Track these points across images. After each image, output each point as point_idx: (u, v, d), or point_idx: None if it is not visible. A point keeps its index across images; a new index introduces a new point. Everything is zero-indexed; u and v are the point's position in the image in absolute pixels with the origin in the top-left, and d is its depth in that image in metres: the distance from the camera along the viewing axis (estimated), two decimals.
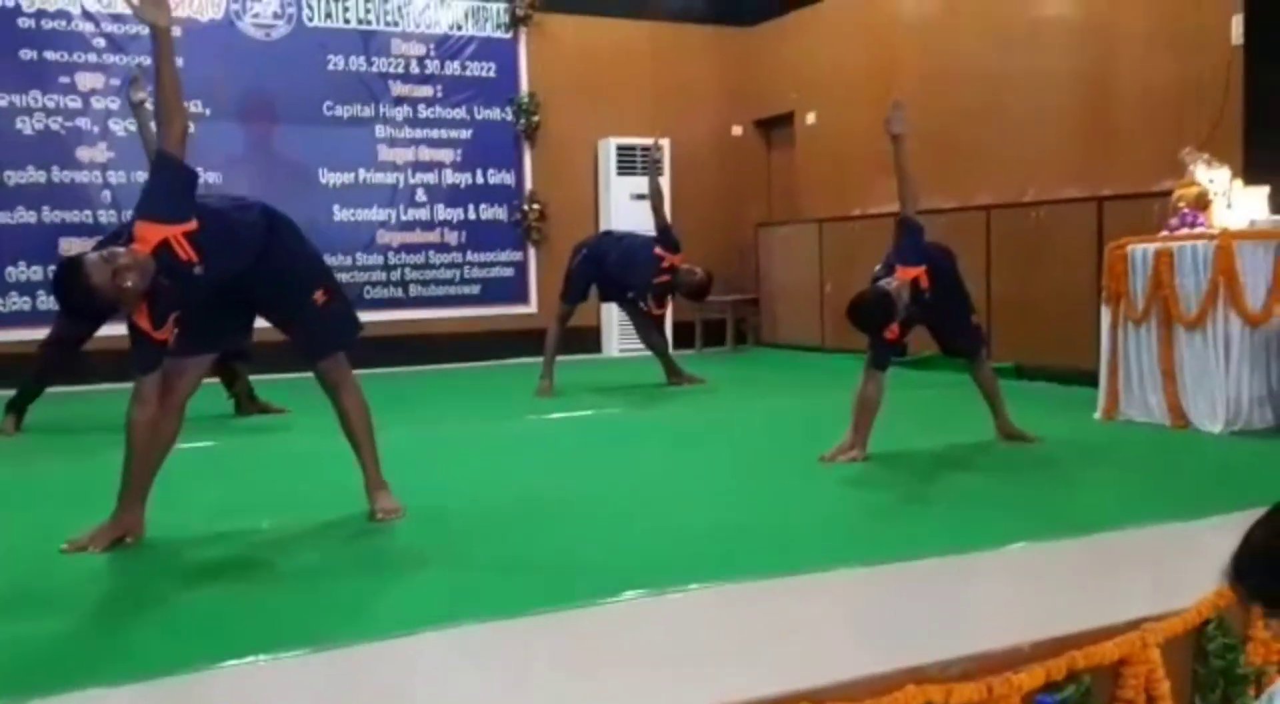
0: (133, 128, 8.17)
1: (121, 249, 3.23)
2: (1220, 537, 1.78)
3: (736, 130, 10.49)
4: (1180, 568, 3.02)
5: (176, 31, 8.00)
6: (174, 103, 3.35)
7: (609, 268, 7.20)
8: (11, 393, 6.01)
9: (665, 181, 9.62)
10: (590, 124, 9.61)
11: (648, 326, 7.41)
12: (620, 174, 9.57)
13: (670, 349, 9.42)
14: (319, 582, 3.04)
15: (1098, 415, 5.60)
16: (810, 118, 9.80)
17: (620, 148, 9.55)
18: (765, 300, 10.06)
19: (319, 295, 3.67)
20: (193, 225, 3.32)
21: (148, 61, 8.07)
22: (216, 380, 6.52)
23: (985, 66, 7.88)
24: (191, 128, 3.57)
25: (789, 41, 9.95)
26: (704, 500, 3.98)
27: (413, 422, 6.14)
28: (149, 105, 6.39)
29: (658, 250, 7.04)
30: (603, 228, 9.17)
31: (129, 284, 3.17)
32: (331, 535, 3.56)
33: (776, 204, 10.47)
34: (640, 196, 9.71)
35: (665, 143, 9.64)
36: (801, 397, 6.85)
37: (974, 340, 4.99)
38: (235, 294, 3.55)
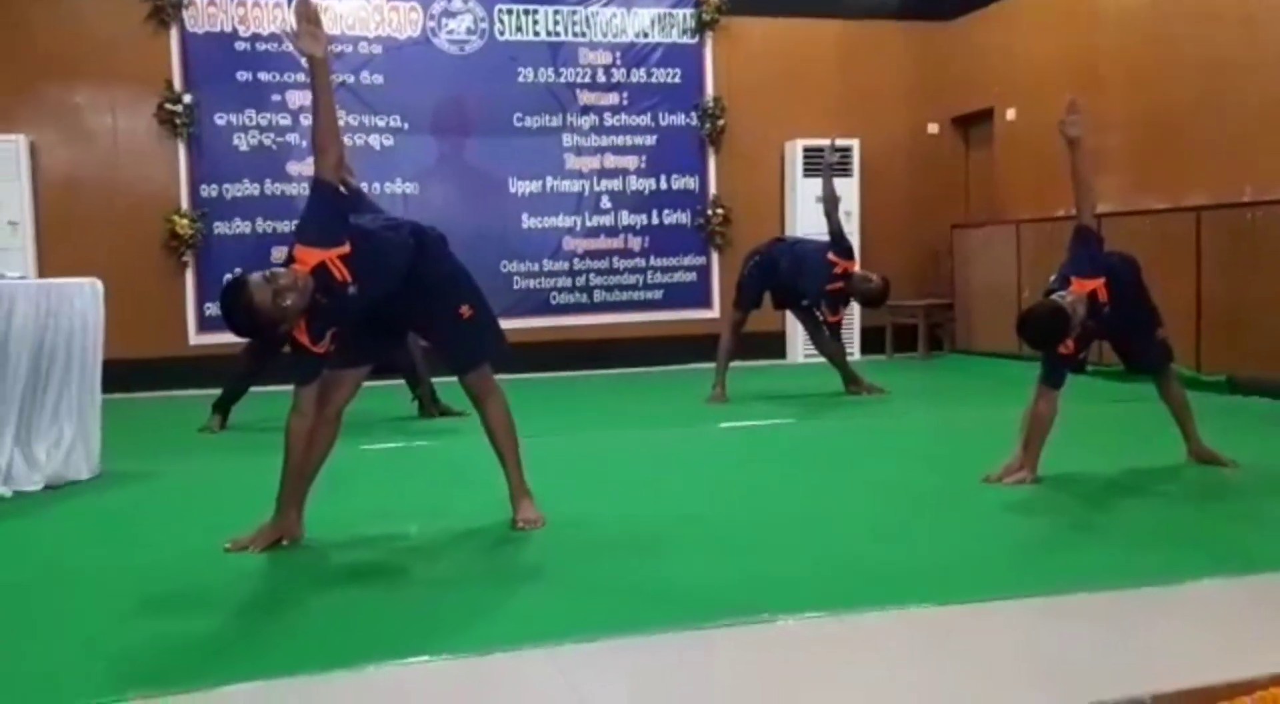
0: None
1: (283, 270, 3.40)
2: None
3: (933, 128, 10.15)
4: None
5: (371, 49, 8.52)
6: (330, 131, 3.51)
7: (781, 275, 7.10)
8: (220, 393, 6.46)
9: (854, 182, 9.46)
10: (777, 126, 9.50)
11: (823, 334, 7.26)
12: (807, 176, 9.41)
13: (858, 355, 9.31)
14: (442, 591, 3.11)
15: None
16: (1010, 114, 9.37)
17: (807, 149, 9.40)
18: (960, 305, 9.69)
19: (464, 310, 3.76)
20: (346, 249, 3.46)
21: (350, 79, 8.65)
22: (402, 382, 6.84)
23: (1197, 54, 7.33)
24: (350, 162, 3.73)
25: (988, 35, 9.56)
26: (852, 523, 3.85)
27: (578, 427, 6.26)
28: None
29: (830, 256, 6.88)
30: (788, 231, 9.08)
31: (289, 303, 3.34)
32: (468, 544, 3.64)
33: (975, 205, 10.07)
34: None
35: (854, 144, 9.46)
36: (984, 409, 6.53)
37: (1160, 356, 4.63)
38: (387, 309, 3.68)
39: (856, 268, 7.04)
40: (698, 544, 3.58)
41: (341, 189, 3.53)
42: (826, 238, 7.02)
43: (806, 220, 9.14)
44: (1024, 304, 8.58)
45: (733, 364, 7.23)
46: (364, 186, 8.60)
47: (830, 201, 7.03)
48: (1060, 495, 4.20)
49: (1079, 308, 4.21)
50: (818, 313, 7.12)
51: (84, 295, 4.79)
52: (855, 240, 9.50)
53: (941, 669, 2.44)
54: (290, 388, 3.54)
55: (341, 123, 8.61)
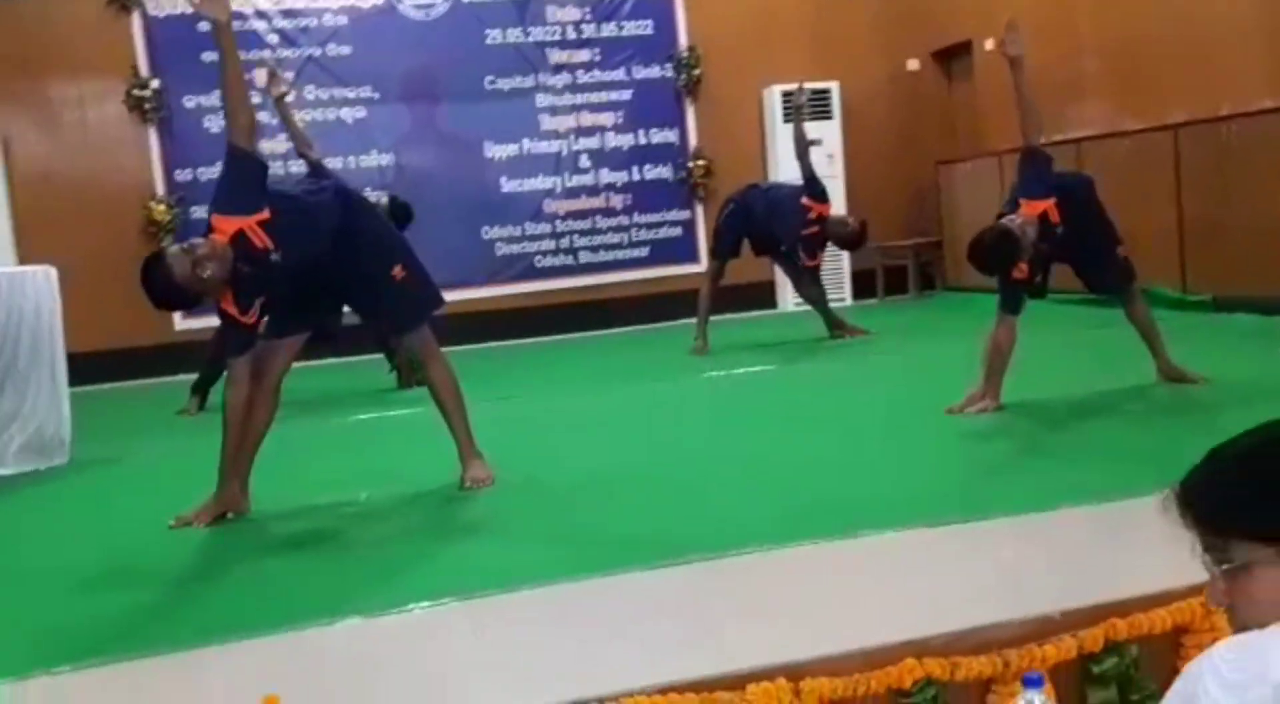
0: (309, 117, 8.66)
1: (200, 241, 3.37)
2: None
3: (913, 64, 9.97)
4: None
5: (336, 20, 8.43)
6: (239, 96, 3.47)
7: (757, 221, 7.02)
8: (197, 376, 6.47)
9: (835, 125, 9.33)
10: (753, 73, 9.36)
11: (803, 279, 7.18)
12: (786, 122, 9.23)
13: (849, 299, 9.22)
14: (375, 551, 3.12)
15: None
16: (989, 44, 9.17)
17: (785, 94, 9.21)
18: (949, 243, 9.56)
19: (398, 271, 3.72)
20: (266, 214, 3.42)
21: (318, 53, 8.58)
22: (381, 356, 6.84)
23: None
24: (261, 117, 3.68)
25: None
26: (816, 461, 3.80)
27: (558, 388, 6.23)
28: (289, 98, 6.71)
29: (804, 200, 6.80)
30: (771, 178, 8.96)
31: (208, 274, 3.31)
32: (414, 506, 3.64)
33: (963, 140, 9.91)
34: (810, 143, 9.48)
35: (833, 86, 9.33)
36: (963, 344, 6.37)
37: (1122, 275, 4.54)
38: (318, 275, 3.64)
39: (832, 211, 6.94)
40: (654, 492, 3.56)
41: (255, 154, 3.48)
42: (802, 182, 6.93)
43: (789, 167, 8.91)
44: None
45: (723, 316, 7.18)
46: (338, 162, 8.68)
47: (801, 144, 6.92)
48: (1021, 421, 4.15)
49: (1029, 230, 4.13)
50: (796, 258, 7.04)
51: (37, 283, 4.79)
52: (839, 183, 9.45)
53: (899, 591, 2.40)
54: None
55: (311, 97, 8.73)
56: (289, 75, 8.49)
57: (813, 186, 6.83)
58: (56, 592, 2.95)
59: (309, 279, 3.63)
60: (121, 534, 3.58)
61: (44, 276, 4.85)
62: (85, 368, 6.73)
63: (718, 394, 5.67)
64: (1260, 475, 1.24)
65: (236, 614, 2.62)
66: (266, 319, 3.60)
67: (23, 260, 7.85)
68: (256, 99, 8.33)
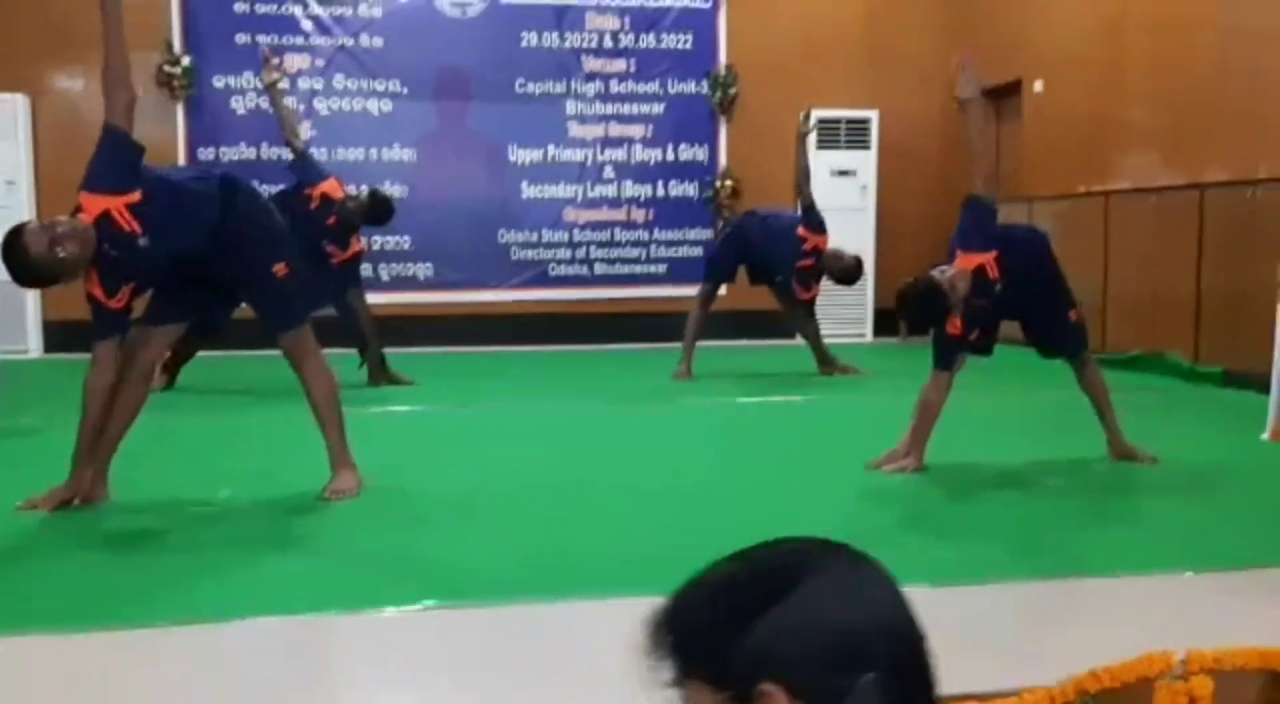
0: (335, 106, 8.69)
1: (62, 219, 3.30)
2: None
3: None
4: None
5: (371, 11, 8.40)
6: (120, 74, 3.41)
7: (752, 249, 6.81)
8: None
9: (871, 156, 9.06)
10: (792, 96, 9.07)
11: (797, 311, 6.93)
12: (821, 148, 9.01)
13: (869, 336, 8.92)
14: (181, 556, 3.01)
15: (1265, 436, 4.64)
16: (1038, 86, 8.82)
17: (822, 121, 8.96)
18: None
19: (279, 268, 3.61)
20: (135, 197, 3.35)
21: (350, 43, 8.59)
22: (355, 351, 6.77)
23: (1229, 19, 6.71)
24: (141, 92, 3.61)
25: (1020, 2, 8.99)
26: (688, 503, 3.60)
27: (514, 399, 6.10)
28: (283, 85, 6.70)
29: (801, 231, 6.56)
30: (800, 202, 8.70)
31: (65, 253, 3.24)
32: (262, 512, 3.52)
33: (1004, 182, 9.52)
34: (842, 173, 9.22)
35: (872, 115, 9.06)
36: (970, 393, 6.16)
37: (1072, 340, 4.22)
38: (196, 265, 3.55)
39: (829, 243, 6.68)
40: (505, 519, 3.42)
41: (130, 135, 3.40)
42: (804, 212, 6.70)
43: (819, 195, 8.72)
44: None
45: (737, 342, 7.01)
46: (360, 153, 8.68)
47: (801, 172, 6.70)
48: (931, 486, 3.88)
49: (959, 284, 3.86)
50: (790, 289, 6.79)
51: None
52: (869, 216, 9.18)
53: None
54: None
55: (340, 86, 8.72)
56: (320, 63, 8.57)
57: (810, 217, 6.60)
58: None
59: (189, 269, 3.54)
60: None
61: None
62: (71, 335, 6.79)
63: (667, 424, 5.47)
64: (731, 609, 1.04)
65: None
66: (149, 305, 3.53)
67: None
68: (285, 86, 8.48)
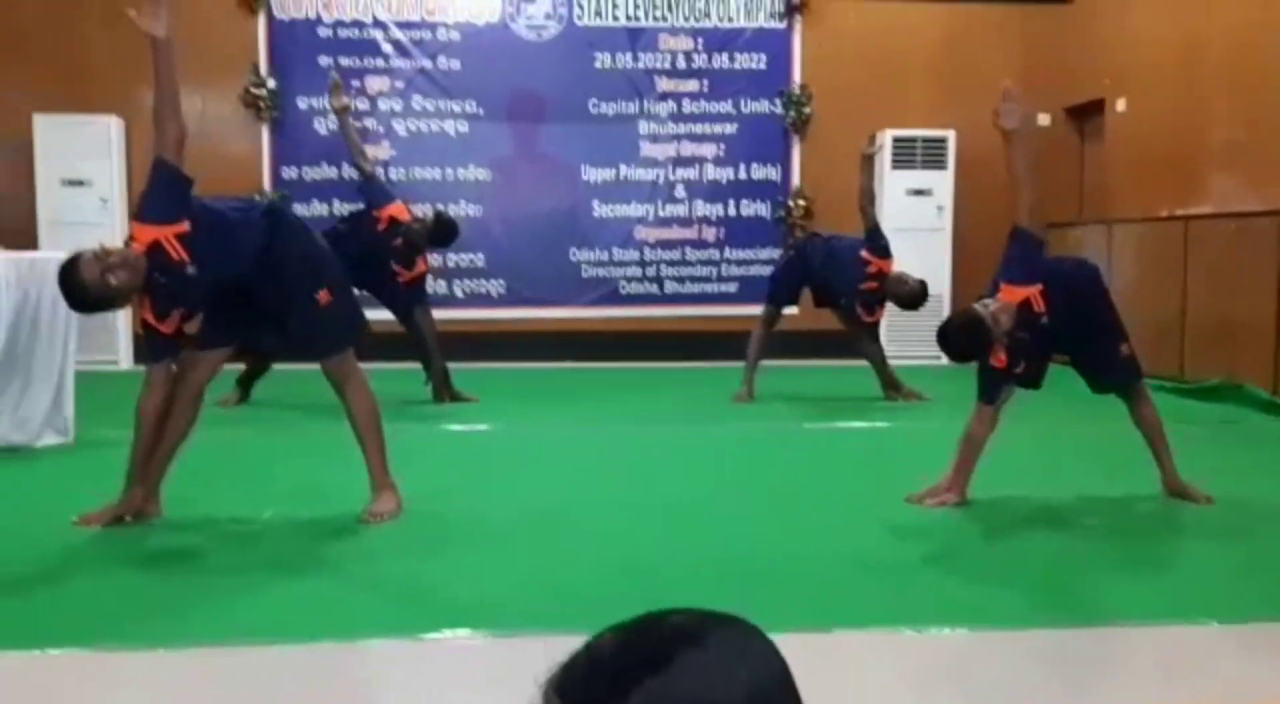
0: (414, 127, 8.88)
1: (116, 248, 3.45)
2: None
3: (1044, 119, 9.43)
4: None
5: (449, 34, 8.53)
6: (171, 110, 3.55)
7: (815, 272, 6.77)
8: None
9: (948, 176, 8.94)
10: (867, 116, 9.02)
11: (861, 335, 6.86)
12: (896, 168, 8.94)
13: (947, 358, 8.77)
14: (211, 579, 3.11)
15: None
16: (1120, 105, 8.61)
17: (897, 140, 8.92)
18: None
19: (322, 295, 3.72)
20: (184, 227, 3.48)
21: (429, 65, 8.78)
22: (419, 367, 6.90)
23: None
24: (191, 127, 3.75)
25: (1104, 18, 8.80)
26: (737, 531, 3.63)
27: (570, 420, 6.14)
28: (354, 108, 6.86)
29: (864, 254, 6.50)
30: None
31: (117, 281, 3.39)
32: (303, 532, 3.62)
33: (1086, 203, 9.32)
34: (918, 192, 9.10)
35: (949, 135, 8.93)
36: (1023, 425, 6.02)
37: (1124, 374, 4.11)
38: (241, 292, 3.68)
39: (893, 267, 6.61)
40: (542, 545, 3.47)
41: (180, 168, 3.54)
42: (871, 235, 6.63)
43: (893, 214, 8.66)
44: None
45: (810, 361, 6.97)
46: (436, 173, 8.86)
47: (865, 195, 6.63)
48: (964, 523, 3.82)
49: (1003, 318, 3.79)
50: (854, 312, 6.74)
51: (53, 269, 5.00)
52: (946, 236, 9.05)
53: None
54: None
55: (419, 107, 8.91)
56: (399, 85, 8.77)
57: (875, 240, 6.53)
58: None
59: (235, 295, 3.67)
60: (32, 527, 3.68)
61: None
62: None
63: (711, 448, 5.44)
64: (611, 681, 1.05)
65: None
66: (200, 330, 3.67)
67: None
68: (365, 107, 8.71)
